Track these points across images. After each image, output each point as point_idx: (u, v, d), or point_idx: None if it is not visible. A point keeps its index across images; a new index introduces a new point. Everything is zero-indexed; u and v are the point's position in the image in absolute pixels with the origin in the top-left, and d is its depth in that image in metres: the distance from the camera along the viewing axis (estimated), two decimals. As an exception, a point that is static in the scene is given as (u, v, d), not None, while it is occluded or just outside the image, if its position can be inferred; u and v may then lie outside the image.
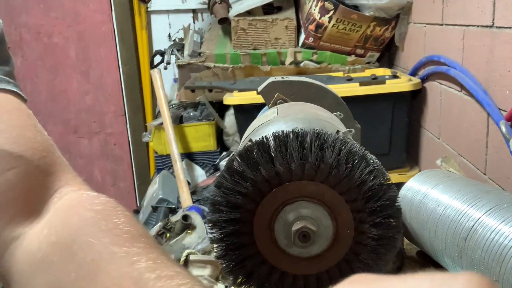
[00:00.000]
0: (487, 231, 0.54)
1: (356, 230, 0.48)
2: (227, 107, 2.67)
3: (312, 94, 0.79)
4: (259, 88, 0.82)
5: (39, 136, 0.44)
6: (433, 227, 0.64)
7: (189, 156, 2.60)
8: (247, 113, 1.99)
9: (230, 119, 2.63)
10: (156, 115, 2.65)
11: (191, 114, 2.57)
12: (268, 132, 0.59)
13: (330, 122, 0.62)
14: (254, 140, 0.58)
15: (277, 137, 0.48)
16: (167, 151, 2.56)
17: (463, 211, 0.60)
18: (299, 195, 0.48)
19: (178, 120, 2.54)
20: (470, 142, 1.53)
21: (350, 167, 0.46)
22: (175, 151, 2.26)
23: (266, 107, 0.85)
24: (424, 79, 1.91)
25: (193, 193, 2.31)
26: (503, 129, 0.95)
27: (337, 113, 0.73)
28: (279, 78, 0.81)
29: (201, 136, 2.59)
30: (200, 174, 2.61)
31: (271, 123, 0.60)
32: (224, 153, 2.66)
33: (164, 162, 2.60)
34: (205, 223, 2.05)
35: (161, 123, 2.45)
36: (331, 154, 0.46)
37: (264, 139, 0.48)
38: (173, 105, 2.61)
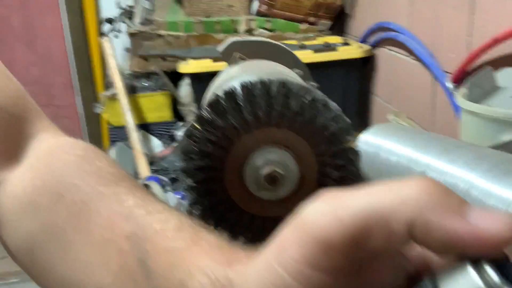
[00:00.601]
0: (437, 174, 0.59)
1: (320, 173, 0.52)
2: (182, 76, 2.65)
3: (271, 54, 0.82)
4: (219, 49, 0.83)
5: (11, 84, 0.43)
6: (387, 174, 0.69)
7: (144, 127, 2.58)
8: (203, 81, 1.97)
9: (185, 89, 2.62)
10: (108, 85, 2.60)
11: (145, 84, 2.54)
12: (231, 86, 0.61)
13: (292, 77, 0.64)
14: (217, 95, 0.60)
15: (244, 86, 0.50)
16: (121, 122, 2.52)
17: (414, 158, 0.65)
18: (266, 142, 0.51)
19: (132, 91, 2.50)
20: (418, 105, 1.62)
21: (314, 114, 0.49)
22: (130, 121, 2.23)
23: (226, 68, 0.86)
24: (374, 46, 1.98)
25: (151, 163, 2.30)
26: (448, 84, 1.01)
27: (297, 70, 0.76)
28: (239, 39, 0.82)
29: (156, 107, 2.57)
30: (157, 144, 2.60)
31: (235, 78, 0.62)
32: (180, 123, 2.65)
33: (119, 134, 2.57)
34: (164, 192, 2.06)
35: (114, 94, 2.41)
36: (296, 101, 0.49)
37: (232, 89, 0.50)
38: (125, 75, 2.56)
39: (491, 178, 0.50)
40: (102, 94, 2.55)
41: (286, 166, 0.51)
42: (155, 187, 1.98)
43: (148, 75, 2.57)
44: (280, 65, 0.74)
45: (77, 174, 0.37)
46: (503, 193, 0.47)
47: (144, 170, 2.17)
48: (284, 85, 0.49)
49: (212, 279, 0.27)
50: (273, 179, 0.50)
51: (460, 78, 1.25)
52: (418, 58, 1.54)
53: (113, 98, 2.44)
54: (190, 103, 2.67)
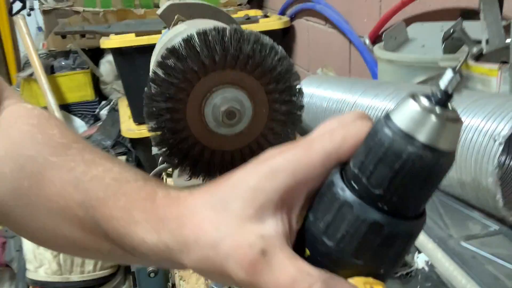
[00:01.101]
0: (364, 107, 0.69)
1: (270, 109, 0.60)
2: (101, 54, 2.59)
3: (209, 15, 0.87)
4: (159, 11, 0.87)
5: None
6: (321, 117, 0.79)
7: (65, 107, 2.50)
8: (127, 56, 1.98)
9: (106, 67, 2.57)
10: (23, 66, 2.48)
11: (63, 63, 2.45)
12: (182, 37, 0.66)
13: (235, 31, 0.71)
14: (169, 48, 0.65)
15: (200, 33, 0.56)
16: (40, 103, 2.42)
17: (343, 99, 0.75)
18: (223, 82, 0.57)
19: (49, 71, 2.41)
20: (336, 70, 1.75)
21: (263, 56, 0.57)
22: (51, 102, 2.16)
23: (167, 29, 0.91)
24: (292, 17, 2.08)
25: (75, 143, 2.25)
26: (366, 41, 1.13)
27: (234, 26, 0.82)
28: (177, 1, 0.87)
29: (76, 86, 2.50)
30: (80, 125, 2.54)
31: (184, 32, 0.68)
32: (103, 102, 2.60)
33: (38, 116, 2.47)
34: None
35: (31, 74, 2.31)
36: (247, 45, 0.56)
37: (189, 37, 0.56)
38: (41, 55, 2.46)
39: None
40: (17, 75, 2.44)
41: (241, 103, 0.58)
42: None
43: (66, 54, 2.49)
44: (220, 22, 0.80)
45: (32, 145, 0.41)
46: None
47: (70, 150, 2.13)
48: (236, 31, 0.56)
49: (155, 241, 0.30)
50: (231, 114, 0.57)
51: (372, 41, 1.39)
52: (334, 26, 1.66)
53: (30, 79, 2.34)
54: (112, 80, 2.63)
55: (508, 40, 0.73)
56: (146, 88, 0.56)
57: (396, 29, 0.87)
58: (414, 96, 0.24)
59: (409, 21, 1.23)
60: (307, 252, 0.28)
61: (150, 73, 0.56)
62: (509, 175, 0.53)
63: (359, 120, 0.28)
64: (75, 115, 2.57)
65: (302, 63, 2.10)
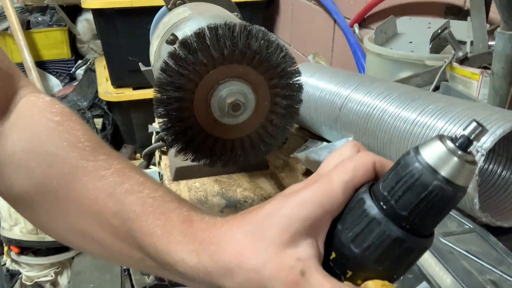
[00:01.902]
0: (355, 104, 0.74)
1: (271, 102, 0.64)
2: (79, 11, 2.53)
3: (207, -4, 0.89)
4: (158, -10, 0.88)
5: None
6: (313, 105, 0.83)
7: (40, 65, 2.45)
8: (108, 18, 1.94)
9: (83, 25, 2.52)
10: (-4, 19, 2.39)
11: (39, 19, 2.38)
12: (190, 26, 0.69)
13: (238, 20, 0.73)
14: (176, 34, 0.68)
15: (212, 28, 0.58)
16: (14, 59, 2.36)
17: (336, 92, 0.79)
18: (230, 75, 0.60)
19: (25, 26, 2.34)
20: (318, 47, 1.78)
21: (269, 53, 0.60)
22: (27, 58, 2.11)
23: (163, 8, 0.92)
24: (277, -11, 2.08)
25: (51, 103, 2.23)
26: (356, 30, 1.17)
27: (235, 13, 0.84)
28: (176, -20, 0.87)
29: (52, 43, 2.44)
30: (55, 84, 2.50)
31: (189, 20, 0.70)
32: (79, 61, 2.56)
33: (12, 72, 2.42)
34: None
35: (6, 29, 2.24)
36: (255, 42, 0.59)
37: (201, 30, 0.58)
38: (17, 9, 2.38)
39: (399, 104, 0.66)
40: (-9, 28, 2.36)
41: (246, 95, 0.62)
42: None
43: (42, 9, 2.42)
44: (223, 9, 0.82)
45: (60, 144, 0.43)
46: (409, 116, 0.63)
47: (46, 109, 2.10)
48: (245, 27, 0.59)
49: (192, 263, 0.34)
50: (236, 107, 0.61)
51: (357, 23, 1.43)
52: (319, 3, 1.68)
53: (5, 33, 2.27)
54: (89, 40, 2.58)
55: (491, 42, 0.79)
56: (154, 85, 0.59)
57: (386, 23, 0.91)
58: (441, 138, 0.29)
59: (395, 9, 1.27)
60: (333, 255, 0.33)
61: (162, 62, 0.59)
62: (486, 179, 0.59)
63: (361, 152, 0.34)
64: (50, 73, 2.52)
65: (284, 37, 2.12)
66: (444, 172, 0.28)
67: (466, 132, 0.28)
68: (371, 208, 0.31)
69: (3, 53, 0.48)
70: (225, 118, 0.63)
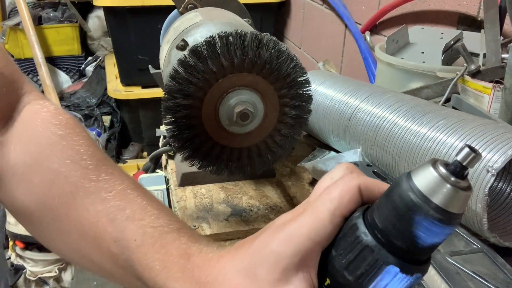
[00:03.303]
0: (365, 115, 0.73)
1: (280, 112, 0.63)
2: (90, 8, 2.54)
3: (219, 1, 0.89)
4: (170, -7, 0.88)
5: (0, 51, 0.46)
6: (322, 114, 0.82)
7: (50, 60, 2.46)
8: (119, 16, 1.95)
9: (94, 22, 2.53)
10: (9, 14, 2.41)
11: (51, 15, 2.40)
12: (201, 33, 0.68)
13: (248, 27, 0.73)
14: (187, 40, 0.67)
15: (222, 36, 0.58)
16: (25, 54, 2.38)
17: (345, 101, 0.78)
18: (239, 84, 0.60)
19: (37, 21, 2.35)
20: (329, 52, 1.77)
21: (279, 63, 0.59)
22: (38, 54, 2.12)
23: (175, 11, 0.91)
24: (289, -8, 2.07)
25: (60, 99, 2.24)
26: (368, 38, 1.16)
27: (246, 19, 0.84)
28: (188, -17, 0.87)
29: (63, 39, 2.45)
30: (65, 80, 2.51)
31: (200, 26, 0.69)
32: (89, 58, 2.57)
33: (23, 67, 2.43)
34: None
35: (18, 23, 2.26)
36: (265, 51, 0.59)
37: (211, 39, 0.58)
38: (29, 4, 2.39)
39: (410, 117, 0.65)
40: (3, 23, 2.37)
41: (255, 105, 0.61)
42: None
43: (54, 5, 2.43)
44: (235, 14, 0.81)
45: (63, 161, 0.42)
46: (420, 130, 0.62)
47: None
48: (256, 36, 0.58)
49: None
50: (244, 116, 0.60)
51: (368, 29, 1.42)
52: (331, 7, 1.67)
53: (17, 28, 2.29)
54: (100, 36, 2.59)
55: (505, 55, 0.78)
56: (162, 88, 0.58)
57: (399, 33, 0.90)
58: (434, 163, 0.28)
59: (407, 17, 1.26)
60: (328, 281, 0.32)
61: (171, 69, 0.58)
62: (495, 198, 0.58)
63: (347, 176, 0.33)
64: (60, 68, 2.53)
65: (295, 40, 2.11)
66: (436, 200, 0.28)
67: (459, 158, 0.27)
68: (364, 234, 0.30)
69: (6, 58, 0.47)
70: (233, 126, 0.62)
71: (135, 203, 0.41)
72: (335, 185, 0.32)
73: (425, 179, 0.28)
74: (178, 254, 0.36)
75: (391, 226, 0.29)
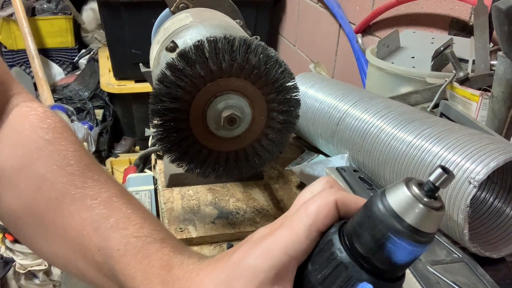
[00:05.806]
0: (353, 120, 0.73)
1: (268, 117, 0.63)
2: (84, 1, 2.52)
3: (211, 1, 0.88)
4: (162, -7, 0.87)
5: None
6: (311, 117, 0.83)
7: (43, 52, 2.45)
8: (113, 9, 1.93)
9: (88, 14, 2.51)
10: (2, 5, 2.39)
11: (45, 6, 2.38)
12: (191, 35, 0.68)
13: (239, 29, 0.73)
14: (176, 42, 0.67)
15: (211, 41, 0.58)
16: (18, 46, 2.37)
17: (334, 105, 0.79)
18: (227, 89, 0.60)
19: (30, 13, 2.33)
20: (322, 50, 1.77)
21: (268, 68, 0.60)
22: (31, 46, 2.11)
23: (166, 9, 0.91)
24: (284, -11, 2.07)
25: (52, 91, 2.23)
26: (359, 40, 1.16)
27: (238, 20, 0.84)
28: (181, -17, 0.87)
29: (57, 31, 2.44)
30: (57, 72, 2.49)
31: (190, 28, 0.69)
32: (83, 50, 2.55)
33: (15, 58, 2.41)
34: (71, 122, 2.03)
35: (11, 14, 2.24)
36: (254, 57, 0.59)
37: (200, 43, 0.58)
38: (22, -5, 2.37)
39: (397, 124, 0.65)
40: (-5, 13, 2.35)
41: (242, 109, 0.61)
42: (63, 116, 1.95)
43: (48, -4, 2.41)
44: (225, 15, 0.81)
45: (50, 167, 0.42)
46: (406, 137, 0.62)
47: (47, 98, 2.10)
48: (245, 41, 0.58)
49: None
50: (232, 121, 0.60)
51: (361, 30, 1.42)
52: (326, 6, 1.67)
53: (10, 19, 2.27)
54: (93, 29, 2.57)
55: (494, 62, 0.78)
56: (152, 87, 0.58)
57: (390, 37, 0.91)
58: (408, 182, 0.29)
59: (400, 19, 1.26)
60: None
61: (159, 72, 0.58)
62: (478, 207, 0.59)
63: (325, 191, 0.33)
64: (53, 61, 2.52)
65: (289, 37, 2.11)
66: (409, 219, 0.28)
67: (432, 178, 0.28)
68: (339, 251, 0.31)
69: None
70: (220, 130, 0.62)
71: (119, 211, 0.41)
72: (313, 200, 0.33)
73: (399, 198, 0.29)
74: (160, 266, 0.37)
75: (365, 243, 0.30)
